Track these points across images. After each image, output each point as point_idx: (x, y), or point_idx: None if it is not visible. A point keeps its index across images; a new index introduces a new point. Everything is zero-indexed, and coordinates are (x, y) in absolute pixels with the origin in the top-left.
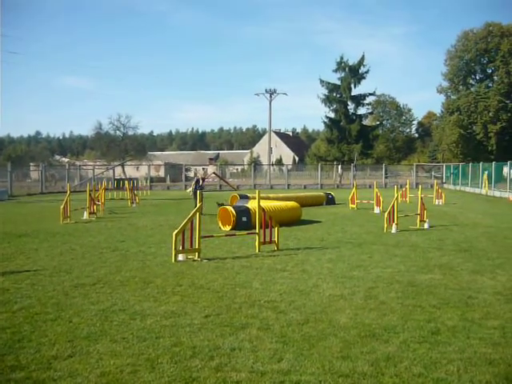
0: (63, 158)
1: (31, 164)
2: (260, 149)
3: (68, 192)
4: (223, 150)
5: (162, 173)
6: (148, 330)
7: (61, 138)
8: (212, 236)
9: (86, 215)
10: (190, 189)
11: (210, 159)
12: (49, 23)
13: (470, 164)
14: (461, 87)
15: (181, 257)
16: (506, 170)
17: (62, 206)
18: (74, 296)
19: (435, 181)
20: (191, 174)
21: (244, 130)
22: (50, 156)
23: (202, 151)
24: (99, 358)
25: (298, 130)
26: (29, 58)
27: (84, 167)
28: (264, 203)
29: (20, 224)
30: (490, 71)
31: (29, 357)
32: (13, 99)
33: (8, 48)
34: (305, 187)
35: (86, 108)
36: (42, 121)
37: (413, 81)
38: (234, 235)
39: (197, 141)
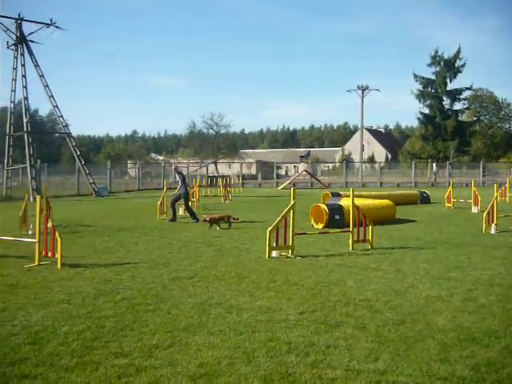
0: (158, 156)
1: (128, 162)
2: (351, 146)
3: (164, 189)
4: (314, 147)
5: (253, 170)
6: (244, 323)
7: (156, 136)
8: (305, 233)
9: (181, 211)
10: (283, 186)
11: (301, 157)
12: (143, 24)
13: None
14: None
15: (274, 253)
16: None
17: (158, 202)
18: (172, 288)
19: None
20: (282, 172)
21: (335, 127)
22: (146, 154)
23: (293, 149)
24: (197, 349)
25: (391, 126)
26: (125, 58)
27: (178, 165)
28: (357, 201)
29: (119, 219)
30: None
31: (131, 345)
32: (111, 100)
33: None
34: (398, 185)
35: (180, 107)
36: (139, 120)
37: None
38: (328, 233)
39: (288, 138)
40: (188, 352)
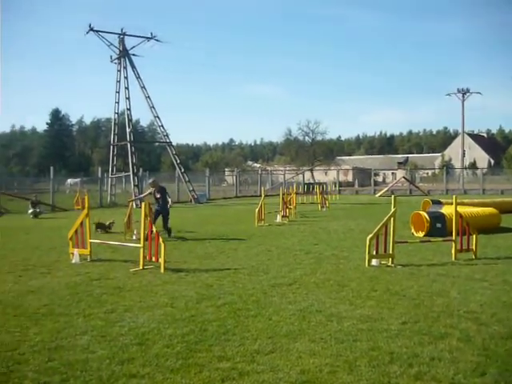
0: (255, 164)
1: (226, 169)
2: (452, 152)
3: (262, 196)
4: (412, 153)
5: (350, 177)
6: (345, 332)
7: (252, 144)
8: (406, 242)
9: (279, 218)
10: (381, 193)
11: (399, 163)
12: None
13: None
14: None
15: (374, 262)
16: None
17: (256, 209)
18: (272, 295)
19: None
20: (379, 179)
21: (434, 132)
22: (242, 162)
23: (391, 155)
24: (299, 356)
25: (494, 130)
26: (218, 69)
27: (275, 172)
28: (460, 209)
29: (218, 225)
30: None
31: (233, 349)
32: (207, 109)
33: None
34: (502, 192)
35: (275, 115)
36: (235, 128)
37: None
38: (429, 241)
39: (385, 144)
40: (289, 358)
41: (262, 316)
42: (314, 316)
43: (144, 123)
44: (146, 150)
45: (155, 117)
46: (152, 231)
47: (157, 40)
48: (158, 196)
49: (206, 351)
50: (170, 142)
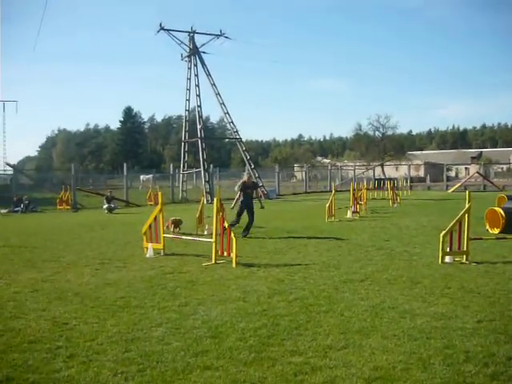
0: (324, 159)
1: (295, 165)
2: None
3: (333, 191)
4: (486, 147)
5: (421, 172)
6: (418, 329)
7: (321, 140)
8: (481, 238)
9: (349, 214)
10: (453, 189)
11: (472, 158)
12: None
13: None
14: None
15: (448, 258)
16: None
17: (327, 205)
18: (344, 291)
19: None
20: (452, 174)
21: (509, 125)
22: (312, 157)
23: (464, 150)
24: (371, 353)
25: None
26: (290, 64)
27: (344, 167)
28: None
29: (288, 220)
30: None
31: (306, 344)
32: (276, 105)
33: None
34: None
35: (345, 110)
36: (304, 124)
37: None
38: (505, 238)
39: (457, 139)
40: (362, 354)
41: (334, 312)
42: (386, 312)
43: (214, 120)
44: (216, 146)
45: (225, 113)
46: (224, 227)
47: (226, 37)
48: (249, 191)
49: (279, 345)
50: (240, 138)
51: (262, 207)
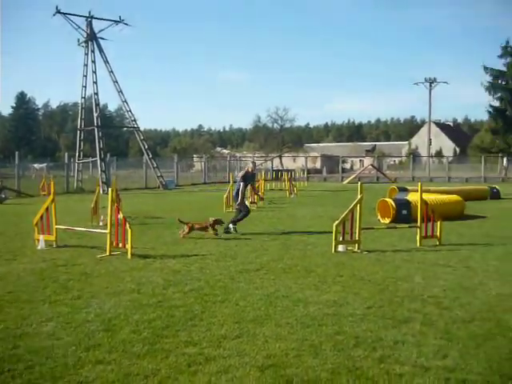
0: (224, 150)
1: (194, 156)
2: (418, 140)
3: (230, 182)
4: (380, 141)
5: (318, 164)
6: (311, 316)
7: (221, 130)
8: (372, 228)
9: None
10: (348, 180)
11: (367, 151)
12: (207, 18)
13: None
14: None
15: (341, 248)
16: None
17: (224, 195)
18: (239, 281)
19: None
20: (347, 166)
21: (401, 120)
22: (211, 148)
23: (359, 143)
24: (265, 341)
25: (459, 120)
26: (189, 54)
27: (243, 158)
28: (425, 196)
29: (187, 211)
30: None
31: (200, 334)
32: (176, 95)
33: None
34: (467, 180)
35: (245, 101)
36: (204, 115)
37: None
38: (395, 228)
39: (353, 132)
40: (256, 343)
41: (229, 301)
42: (280, 301)
43: (112, 108)
44: (114, 135)
45: (123, 101)
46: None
47: (125, 24)
48: (248, 182)
49: (173, 337)
50: (138, 128)
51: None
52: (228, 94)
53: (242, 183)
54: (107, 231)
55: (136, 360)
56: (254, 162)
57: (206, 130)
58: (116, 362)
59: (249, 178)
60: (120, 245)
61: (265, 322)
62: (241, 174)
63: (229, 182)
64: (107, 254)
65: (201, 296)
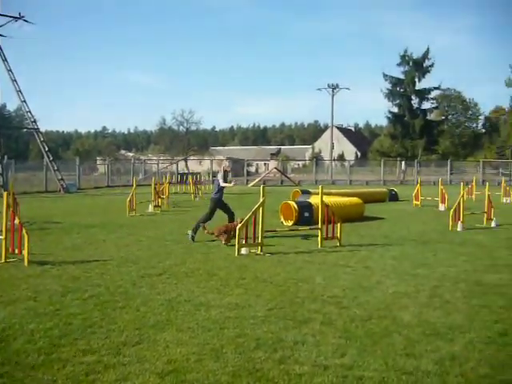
0: (128, 153)
1: (98, 158)
2: (322, 144)
3: (134, 185)
4: (284, 145)
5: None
6: (213, 320)
7: (126, 133)
8: (275, 230)
9: (150, 208)
10: (253, 183)
11: (272, 154)
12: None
13: None
14: None
15: (244, 250)
16: None
17: (128, 199)
18: (141, 286)
19: (503, 178)
20: (253, 169)
21: (306, 125)
22: (115, 151)
23: (264, 146)
24: (166, 346)
25: (361, 125)
26: (94, 54)
27: (148, 161)
28: (326, 199)
29: (88, 216)
30: None
31: (99, 342)
32: (80, 95)
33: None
34: (367, 183)
35: (150, 103)
36: (108, 116)
37: (479, 74)
38: (297, 230)
39: (258, 136)
40: (156, 349)
41: (130, 307)
42: (182, 306)
43: (11, 108)
44: (14, 136)
45: (22, 101)
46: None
47: (25, 20)
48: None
49: (71, 345)
50: (38, 129)
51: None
52: (133, 96)
53: (221, 180)
54: (2, 237)
55: (30, 371)
56: (229, 160)
57: (110, 131)
58: (9, 375)
59: (227, 177)
60: (16, 251)
61: (166, 328)
62: (220, 174)
63: (132, 186)
64: (3, 260)
65: (100, 303)
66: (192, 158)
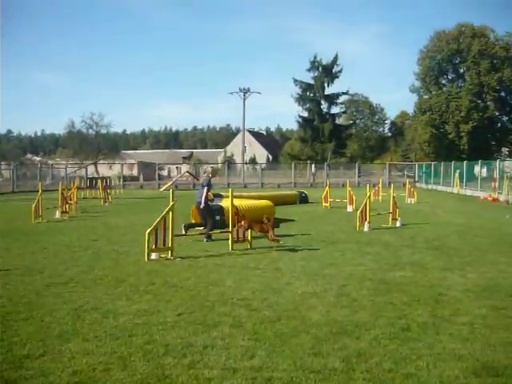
0: (35, 157)
1: (2, 163)
2: (234, 148)
3: (40, 191)
4: (197, 148)
5: (135, 172)
6: (121, 328)
7: (33, 136)
8: (185, 235)
9: (58, 214)
10: (165, 187)
11: (184, 158)
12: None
13: (442, 163)
14: (433, 87)
15: (154, 255)
16: (477, 169)
17: (33, 205)
18: (46, 295)
19: (407, 180)
20: (164, 173)
21: (218, 128)
22: (21, 155)
23: (176, 150)
24: (71, 357)
25: (272, 129)
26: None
27: (56, 166)
28: (237, 202)
29: None
30: (462, 71)
31: (0, 356)
32: None
33: None
34: (278, 186)
35: (58, 106)
36: (13, 119)
37: (386, 80)
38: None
39: (170, 139)
40: (61, 360)
41: (34, 318)
42: (89, 314)
43: None
44: None
45: None
46: None
47: None
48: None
49: None
50: None
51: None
52: (40, 97)
53: (206, 188)
54: None
55: None
56: (212, 167)
57: (15, 134)
58: None
59: (210, 183)
60: None
61: (71, 338)
62: (205, 180)
63: (39, 191)
64: None
65: (2, 314)
66: (102, 162)
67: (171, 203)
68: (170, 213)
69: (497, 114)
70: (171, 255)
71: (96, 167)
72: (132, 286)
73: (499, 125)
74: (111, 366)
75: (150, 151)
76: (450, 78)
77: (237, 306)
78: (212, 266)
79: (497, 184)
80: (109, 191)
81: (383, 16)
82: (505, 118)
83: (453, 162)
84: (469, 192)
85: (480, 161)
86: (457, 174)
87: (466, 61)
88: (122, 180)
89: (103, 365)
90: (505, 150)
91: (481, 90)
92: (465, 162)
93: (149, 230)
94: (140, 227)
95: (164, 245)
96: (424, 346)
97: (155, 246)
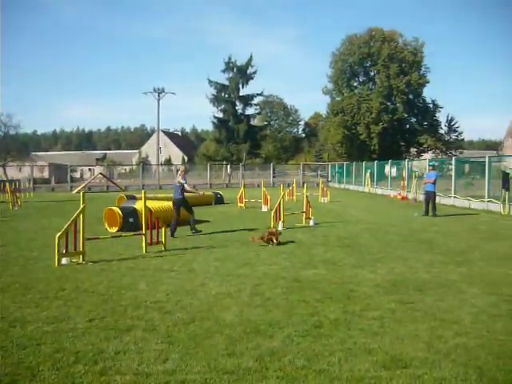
0: None
1: None
2: (149, 149)
3: None
4: (110, 149)
5: (46, 174)
6: (29, 337)
7: None
8: (98, 238)
9: None
10: (77, 190)
11: (97, 159)
12: None
13: (354, 163)
14: (345, 89)
15: (64, 260)
16: (387, 168)
17: None
18: None
19: (321, 179)
20: (77, 175)
21: (132, 129)
22: None
23: (89, 151)
24: None
25: (187, 129)
26: None
27: None
28: (151, 204)
29: None
30: (373, 74)
31: None
32: None
33: None
34: (194, 187)
35: None
36: None
37: (300, 82)
38: (120, 236)
39: (83, 140)
40: None
41: None
42: None
43: None
44: None
45: None
46: None
47: None
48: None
49: None
50: None
51: None
52: None
53: (185, 185)
54: None
55: None
56: (184, 165)
57: None
58: None
59: (186, 180)
60: None
61: None
62: (182, 179)
63: None
64: None
65: None
66: (11, 164)
67: (81, 206)
68: (81, 216)
69: (405, 115)
70: (83, 259)
71: (4, 170)
72: (41, 293)
73: (408, 126)
74: (18, 378)
75: (61, 153)
76: (361, 80)
77: (150, 309)
78: (125, 269)
79: (405, 183)
80: (18, 194)
81: (298, 19)
82: (413, 120)
83: (364, 162)
84: (379, 191)
85: (390, 161)
86: (368, 174)
87: (376, 64)
88: (32, 183)
89: (10, 376)
90: (413, 150)
91: (390, 93)
92: (375, 162)
93: (59, 233)
94: (51, 231)
95: (75, 249)
96: (336, 341)
97: (66, 251)
